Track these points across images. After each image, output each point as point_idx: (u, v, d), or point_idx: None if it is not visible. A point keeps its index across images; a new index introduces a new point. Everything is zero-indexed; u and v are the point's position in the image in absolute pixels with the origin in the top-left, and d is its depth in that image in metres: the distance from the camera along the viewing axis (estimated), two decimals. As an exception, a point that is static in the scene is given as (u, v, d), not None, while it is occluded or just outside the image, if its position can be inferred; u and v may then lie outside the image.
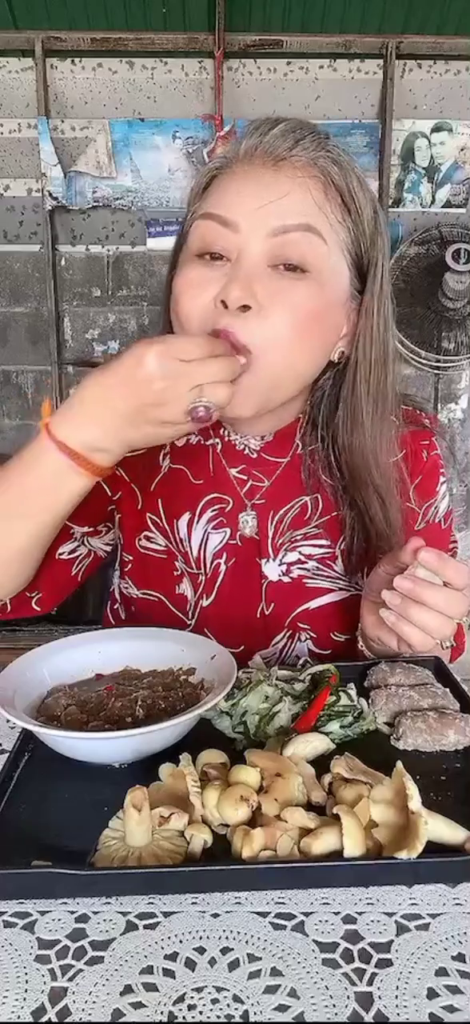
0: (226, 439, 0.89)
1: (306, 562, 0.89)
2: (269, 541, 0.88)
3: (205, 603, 0.88)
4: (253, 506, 0.88)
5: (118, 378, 0.65)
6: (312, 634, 0.90)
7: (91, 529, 0.92)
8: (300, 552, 0.89)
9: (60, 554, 0.90)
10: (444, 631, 0.69)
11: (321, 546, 0.89)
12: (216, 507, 0.88)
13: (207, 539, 0.88)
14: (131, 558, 0.92)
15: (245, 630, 0.88)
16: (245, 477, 0.88)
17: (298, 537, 0.89)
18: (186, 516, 0.89)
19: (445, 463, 0.97)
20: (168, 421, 0.66)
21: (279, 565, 0.88)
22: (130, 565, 0.92)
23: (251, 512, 0.88)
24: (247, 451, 0.88)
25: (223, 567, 0.88)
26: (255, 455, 0.88)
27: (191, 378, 0.64)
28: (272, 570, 0.88)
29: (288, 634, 0.90)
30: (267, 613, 0.89)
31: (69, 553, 0.91)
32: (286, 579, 0.88)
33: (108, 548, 0.97)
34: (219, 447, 0.89)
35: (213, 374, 0.65)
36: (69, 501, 0.72)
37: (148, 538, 0.90)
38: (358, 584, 0.90)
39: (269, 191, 0.73)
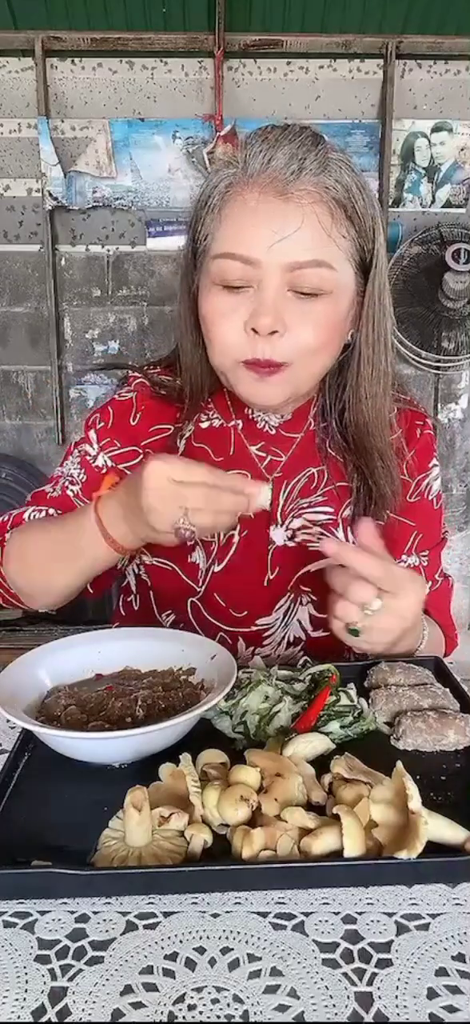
0: (249, 417, 0.96)
1: (310, 527, 0.95)
2: (279, 509, 0.95)
3: (216, 568, 0.94)
4: (273, 481, 0.94)
5: (132, 484, 0.76)
6: (313, 597, 0.95)
7: None
8: (305, 518, 0.95)
9: None
10: (347, 613, 0.74)
11: (325, 512, 0.96)
12: None
13: None
14: None
15: (250, 596, 0.94)
16: (264, 454, 0.96)
17: (304, 505, 0.96)
18: None
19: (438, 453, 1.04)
20: (158, 530, 0.74)
21: (285, 531, 0.95)
22: None
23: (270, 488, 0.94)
24: (267, 428, 0.96)
25: (236, 537, 0.94)
26: (274, 432, 0.96)
27: (177, 499, 0.72)
28: (279, 536, 0.95)
29: (291, 597, 0.95)
30: (272, 578, 0.95)
31: None
32: (291, 543, 0.95)
33: None
34: (240, 427, 0.97)
35: (197, 499, 0.71)
36: (96, 559, 0.84)
37: None
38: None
39: (282, 226, 0.79)
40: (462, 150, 2.66)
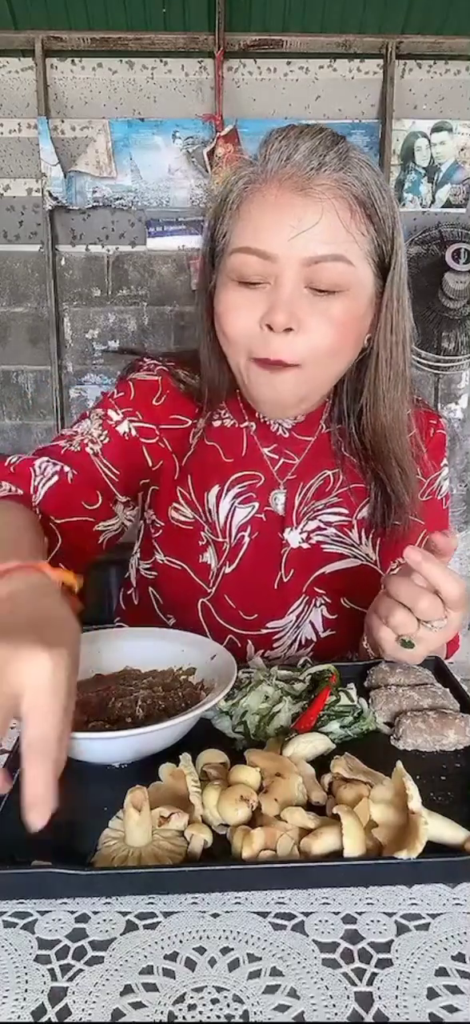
0: (261, 420, 0.95)
1: (325, 528, 0.95)
2: (294, 512, 0.94)
3: (228, 570, 0.93)
4: (286, 483, 0.95)
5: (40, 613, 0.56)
6: (326, 599, 0.95)
7: (127, 500, 0.95)
8: (320, 520, 0.95)
9: (97, 529, 0.91)
10: (408, 625, 0.73)
11: (340, 514, 0.96)
12: (245, 483, 0.94)
13: (233, 512, 0.94)
14: (162, 525, 0.96)
15: (261, 599, 0.93)
16: (277, 456, 0.95)
17: (319, 507, 0.95)
18: (215, 488, 0.94)
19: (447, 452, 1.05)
20: None
21: (300, 533, 0.94)
22: (160, 531, 0.96)
23: (283, 490, 0.94)
24: (280, 431, 0.95)
25: (247, 539, 0.94)
26: (287, 435, 0.95)
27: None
28: (294, 538, 0.94)
29: (305, 600, 0.95)
30: (286, 581, 0.94)
31: (105, 525, 0.93)
32: (306, 545, 0.94)
33: (129, 524, 0.99)
34: (253, 429, 0.96)
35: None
36: None
37: (176, 509, 0.95)
38: (368, 556, 0.96)
39: (301, 220, 0.78)
40: (462, 150, 2.66)
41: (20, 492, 0.83)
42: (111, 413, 0.93)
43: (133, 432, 0.93)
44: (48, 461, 0.87)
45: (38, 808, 0.46)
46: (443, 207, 2.69)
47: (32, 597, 0.54)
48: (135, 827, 0.53)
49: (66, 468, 0.87)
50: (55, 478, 0.86)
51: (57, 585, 0.59)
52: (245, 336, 0.82)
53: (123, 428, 0.92)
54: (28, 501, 0.83)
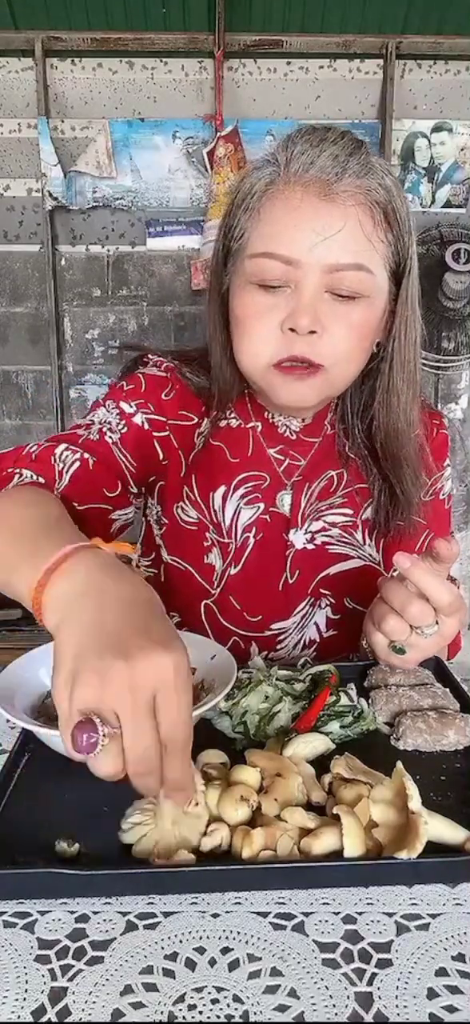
0: (269, 421, 0.95)
1: (330, 529, 0.95)
2: (300, 513, 0.94)
3: (233, 571, 0.93)
4: (292, 484, 0.95)
5: (132, 605, 0.53)
6: (331, 600, 0.95)
7: (137, 490, 0.95)
8: (324, 520, 0.95)
9: (112, 517, 0.91)
10: (399, 631, 0.73)
11: (344, 515, 0.96)
12: (251, 484, 0.94)
13: (239, 513, 0.94)
14: (167, 522, 0.96)
15: (266, 601, 0.93)
16: (283, 457, 0.95)
17: (323, 508, 0.95)
18: (221, 489, 0.94)
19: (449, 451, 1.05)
20: (54, 693, 0.49)
21: (305, 534, 0.94)
22: (165, 528, 0.96)
23: (289, 491, 0.94)
24: (287, 432, 0.95)
25: (252, 540, 0.93)
26: (294, 436, 0.95)
27: (123, 704, 0.46)
28: (298, 539, 0.94)
29: (310, 601, 0.95)
30: (291, 582, 0.94)
31: (120, 513, 0.92)
32: (310, 546, 0.94)
33: (134, 516, 0.98)
34: (260, 429, 0.96)
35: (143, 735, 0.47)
36: (13, 592, 0.60)
37: (182, 509, 0.95)
38: (372, 556, 0.96)
39: (325, 226, 0.78)
40: (462, 150, 2.66)
41: (42, 480, 0.81)
42: (124, 405, 0.92)
43: (146, 425, 0.92)
44: (68, 448, 0.86)
45: (183, 792, 0.50)
46: (443, 207, 2.69)
47: (114, 584, 0.52)
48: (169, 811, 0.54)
49: (86, 455, 0.86)
50: (77, 464, 0.84)
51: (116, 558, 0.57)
52: (267, 341, 0.82)
53: (138, 420, 0.92)
54: (51, 488, 0.81)
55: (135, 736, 0.45)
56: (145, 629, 0.48)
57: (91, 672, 0.46)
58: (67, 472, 0.83)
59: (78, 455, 0.85)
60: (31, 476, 0.81)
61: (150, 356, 0.98)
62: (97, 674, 0.45)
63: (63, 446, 0.86)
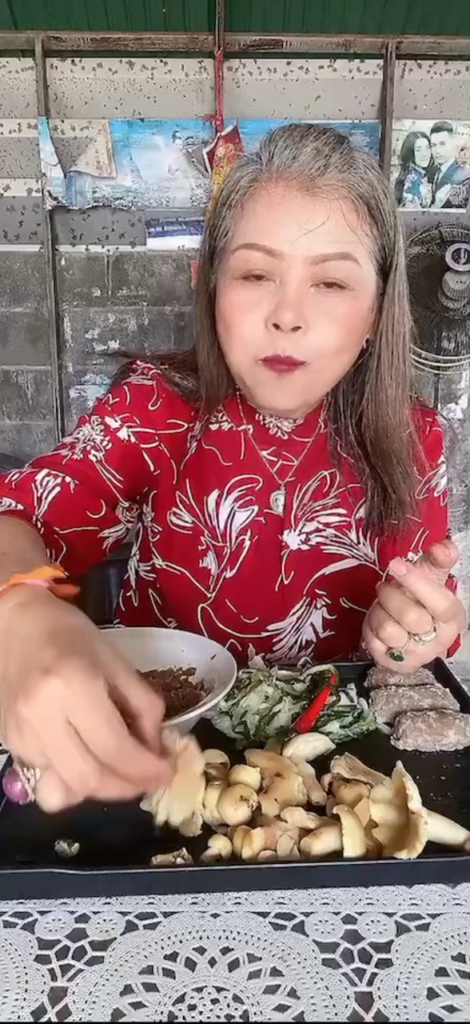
0: (260, 423, 0.95)
1: (324, 530, 0.95)
2: (293, 514, 0.94)
3: (228, 574, 0.93)
4: (285, 484, 0.94)
5: (39, 642, 0.49)
6: (327, 600, 0.95)
7: (129, 504, 0.95)
8: (318, 521, 0.95)
9: (101, 536, 0.91)
10: (397, 638, 0.72)
11: (338, 515, 0.96)
12: (245, 487, 0.94)
13: (233, 516, 0.94)
14: (160, 530, 0.96)
15: (262, 602, 0.93)
16: (275, 458, 0.95)
17: (317, 508, 0.95)
18: (215, 493, 0.94)
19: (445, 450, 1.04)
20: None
21: (299, 535, 0.94)
22: (159, 536, 0.96)
23: (282, 491, 0.94)
24: (279, 433, 0.95)
25: (247, 542, 0.93)
26: (286, 437, 0.95)
27: (51, 743, 0.44)
28: (293, 540, 0.94)
29: (306, 602, 0.94)
30: (286, 583, 0.94)
31: (110, 531, 0.92)
32: (305, 547, 0.94)
33: (130, 526, 0.98)
34: (251, 431, 0.96)
35: (73, 760, 0.45)
36: None
37: (176, 514, 0.95)
38: (367, 556, 0.96)
39: (308, 220, 0.78)
40: (462, 150, 2.66)
41: (21, 507, 0.81)
42: (109, 420, 0.92)
43: (132, 438, 0.92)
44: (49, 473, 0.86)
45: (154, 780, 0.48)
46: (443, 207, 2.69)
47: (20, 624, 0.50)
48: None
49: (68, 479, 0.86)
50: (57, 489, 0.85)
51: (46, 592, 0.54)
52: (251, 336, 0.82)
53: (123, 435, 0.91)
54: (29, 515, 0.81)
55: (63, 766, 0.44)
56: (38, 662, 0.45)
57: (9, 725, 0.45)
58: (46, 498, 0.83)
59: (59, 479, 0.85)
60: (9, 504, 0.81)
61: (138, 363, 0.98)
62: (13, 723, 0.44)
63: (45, 471, 0.86)
